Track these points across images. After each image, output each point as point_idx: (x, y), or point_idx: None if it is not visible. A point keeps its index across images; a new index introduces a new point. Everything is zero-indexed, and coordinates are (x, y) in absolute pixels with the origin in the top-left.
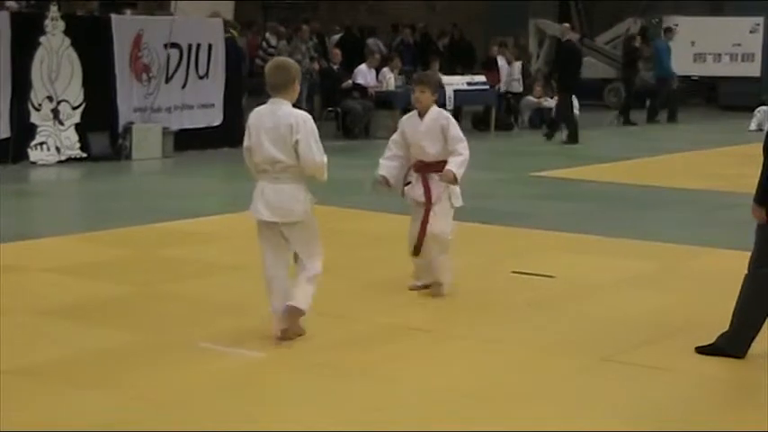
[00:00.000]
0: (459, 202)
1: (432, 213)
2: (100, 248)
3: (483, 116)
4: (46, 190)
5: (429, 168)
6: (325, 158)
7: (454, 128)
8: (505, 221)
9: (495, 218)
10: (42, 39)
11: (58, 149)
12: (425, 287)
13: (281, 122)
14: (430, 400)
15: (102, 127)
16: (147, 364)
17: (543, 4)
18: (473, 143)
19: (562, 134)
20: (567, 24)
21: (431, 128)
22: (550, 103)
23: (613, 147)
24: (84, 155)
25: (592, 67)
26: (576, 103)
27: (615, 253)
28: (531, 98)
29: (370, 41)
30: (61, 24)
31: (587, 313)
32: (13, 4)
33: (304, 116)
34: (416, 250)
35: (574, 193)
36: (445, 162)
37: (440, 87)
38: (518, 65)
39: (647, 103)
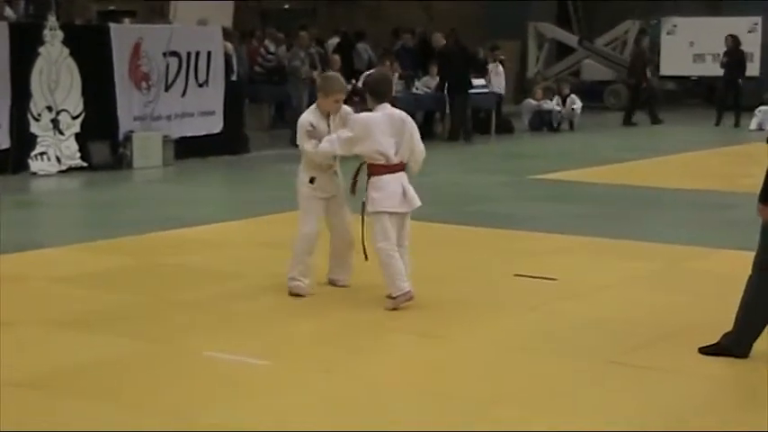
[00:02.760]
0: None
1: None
2: (102, 258)
3: (483, 119)
4: (47, 200)
5: None
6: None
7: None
8: (506, 224)
9: (497, 221)
10: (41, 49)
11: (58, 159)
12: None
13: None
14: (436, 404)
15: (102, 136)
16: (151, 374)
17: (542, 6)
18: (472, 146)
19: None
20: None
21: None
22: (550, 105)
23: (613, 148)
24: (85, 164)
25: (592, 70)
26: (578, 102)
27: (617, 254)
28: (531, 101)
29: (360, 47)
30: (60, 34)
31: (590, 315)
32: (11, 15)
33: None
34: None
35: (574, 196)
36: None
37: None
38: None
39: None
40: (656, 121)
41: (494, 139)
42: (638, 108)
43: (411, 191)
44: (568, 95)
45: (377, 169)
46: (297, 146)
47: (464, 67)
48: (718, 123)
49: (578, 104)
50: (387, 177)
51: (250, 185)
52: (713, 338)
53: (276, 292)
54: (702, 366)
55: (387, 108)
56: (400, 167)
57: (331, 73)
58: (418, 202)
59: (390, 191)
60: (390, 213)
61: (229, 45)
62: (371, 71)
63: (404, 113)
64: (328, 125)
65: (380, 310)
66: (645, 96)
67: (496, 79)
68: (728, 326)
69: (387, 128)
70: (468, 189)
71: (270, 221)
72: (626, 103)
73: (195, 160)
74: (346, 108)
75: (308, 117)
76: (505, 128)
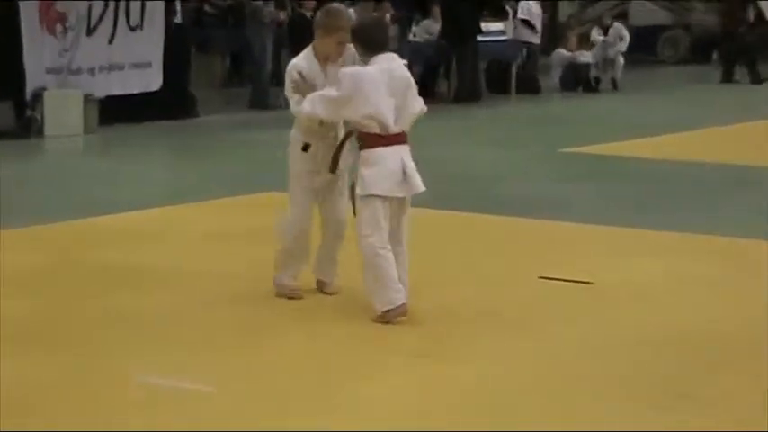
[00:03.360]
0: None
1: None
2: (5, 254)
3: (500, 74)
4: None
5: None
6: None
7: None
8: (530, 212)
9: (518, 208)
10: None
11: None
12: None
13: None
14: None
15: (3, 94)
16: (69, 405)
17: None
18: (486, 109)
19: None
20: None
21: None
22: (587, 57)
23: (670, 112)
24: None
25: (642, 12)
26: (625, 34)
27: (669, 251)
28: (562, 51)
29: None
30: None
31: (637, 332)
32: None
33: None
34: None
35: (616, 174)
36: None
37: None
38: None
39: (714, 55)
40: (756, 79)
41: (514, 100)
42: (737, 61)
43: (412, 170)
44: (610, 26)
45: (370, 140)
46: (259, 108)
47: (472, 7)
48: None
49: (625, 37)
50: (382, 151)
51: (198, 160)
52: None
53: (232, 300)
54: None
55: (385, 61)
56: (401, 139)
57: (335, 4)
58: (422, 187)
59: (387, 169)
60: (384, 198)
61: None
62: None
63: (406, 70)
64: (325, 75)
65: (368, 324)
66: (741, 47)
67: (524, 25)
68: None
69: (384, 86)
70: (480, 166)
71: (224, 207)
72: (722, 54)
73: (126, 126)
74: (353, 51)
75: (299, 62)
76: (530, 86)
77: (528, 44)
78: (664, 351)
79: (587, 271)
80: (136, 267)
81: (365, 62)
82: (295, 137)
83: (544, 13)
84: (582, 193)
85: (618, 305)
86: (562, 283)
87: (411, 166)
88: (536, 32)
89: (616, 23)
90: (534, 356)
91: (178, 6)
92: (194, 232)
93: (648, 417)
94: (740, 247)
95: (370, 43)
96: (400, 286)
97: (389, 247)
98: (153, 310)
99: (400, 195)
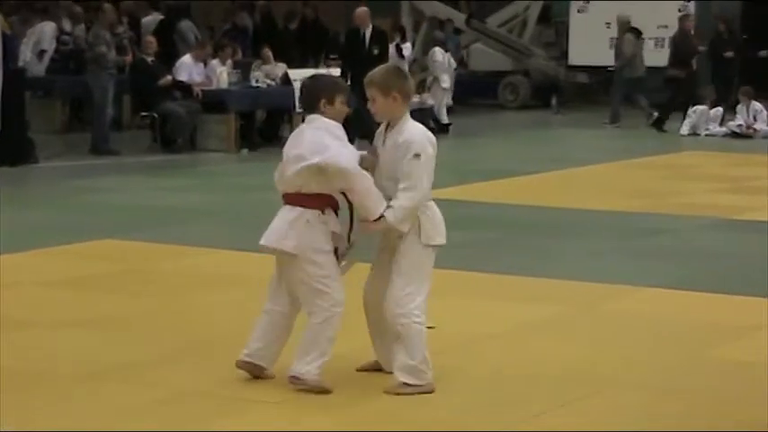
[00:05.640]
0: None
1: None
2: None
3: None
4: None
5: None
6: None
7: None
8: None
9: (359, 253)
10: None
11: None
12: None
13: None
14: None
15: None
16: None
17: None
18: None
19: None
20: None
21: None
22: (429, 100)
23: (507, 157)
24: None
25: (482, 57)
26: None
27: (513, 295)
28: None
29: (183, 25)
30: None
31: (476, 373)
32: None
33: None
34: None
35: (454, 219)
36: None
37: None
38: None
39: (553, 100)
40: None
41: (356, 146)
42: (674, 109)
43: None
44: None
45: None
46: (99, 153)
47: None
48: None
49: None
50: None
51: (36, 207)
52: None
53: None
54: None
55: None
56: (285, 199)
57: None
58: (269, 241)
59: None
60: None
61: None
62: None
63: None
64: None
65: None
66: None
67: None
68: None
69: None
70: None
71: (57, 255)
72: (665, 100)
73: None
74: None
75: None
76: (369, 130)
77: None
78: (498, 392)
79: (431, 315)
80: None
81: None
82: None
83: None
84: None
85: (461, 350)
86: None
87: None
88: None
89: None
90: (370, 402)
91: (19, 51)
92: (33, 280)
93: None
94: (577, 289)
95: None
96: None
97: (268, 307)
98: None
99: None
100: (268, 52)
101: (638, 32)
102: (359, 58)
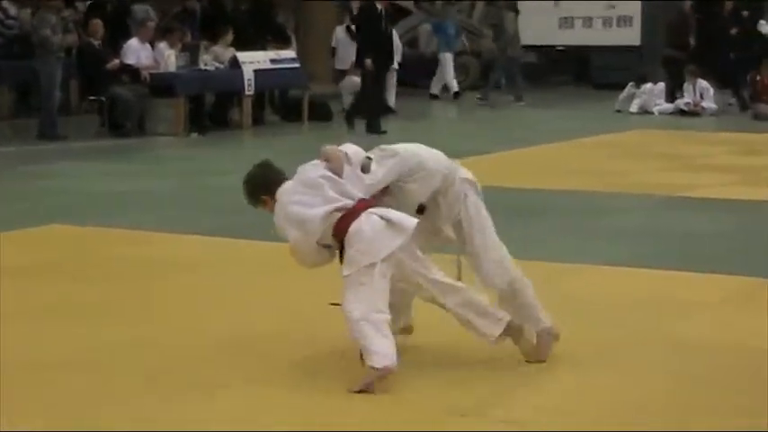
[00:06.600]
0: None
1: None
2: None
3: (293, 103)
4: None
5: None
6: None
7: None
8: None
9: None
10: None
11: None
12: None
13: None
14: None
15: None
16: None
17: None
18: (278, 138)
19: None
20: None
21: None
22: None
23: (455, 137)
24: None
25: (432, 38)
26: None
27: (465, 275)
28: (353, 78)
29: (137, 8)
30: None
31: (432, 357)
32: None
33: None
34: None
35: None
36: None
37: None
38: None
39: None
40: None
41: (307, 127)
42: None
43: None
44: None
45: None
46: (47, 139)
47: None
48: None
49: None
50: None
51: None
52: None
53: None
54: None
55: None
56: None
57: None
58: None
59: None
60: None
61: None
62: None
63: None
64: None
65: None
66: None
67: None
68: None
69: None
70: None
71: (11, 240)
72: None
73: None
74: None
75: None
76: (322, 113)
77: None
78: (445, 374)
79: None
80: None
81: None
82: None
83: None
84: None
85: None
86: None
87: None
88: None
89: None
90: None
91: None
92: None
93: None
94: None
95: None
96: None
97: None
98: None
99: None
100: (228, 35)
101: (516, 10)
102: (376, 33)
